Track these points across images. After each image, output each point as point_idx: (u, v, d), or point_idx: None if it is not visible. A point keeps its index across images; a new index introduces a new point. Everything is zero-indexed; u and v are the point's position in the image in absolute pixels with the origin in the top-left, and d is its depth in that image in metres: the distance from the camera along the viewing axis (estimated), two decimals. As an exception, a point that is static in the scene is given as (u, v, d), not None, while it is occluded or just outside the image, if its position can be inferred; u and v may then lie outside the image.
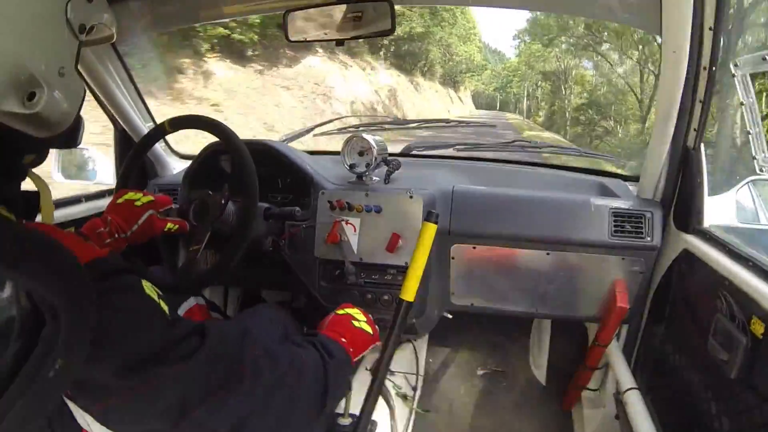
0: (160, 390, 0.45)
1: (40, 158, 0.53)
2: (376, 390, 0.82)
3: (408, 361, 1.44)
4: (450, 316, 1.26)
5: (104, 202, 0.88)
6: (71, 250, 0.40)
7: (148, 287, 0.48)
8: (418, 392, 1.38)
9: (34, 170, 0.53)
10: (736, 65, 0.83)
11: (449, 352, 1.60)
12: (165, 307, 0.48)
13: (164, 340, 0.46)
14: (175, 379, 0.45)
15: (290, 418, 0.58)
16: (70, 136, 0.52)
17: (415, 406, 1.34)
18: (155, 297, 0.48)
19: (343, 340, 0.75)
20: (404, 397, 1.34)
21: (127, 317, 0.44)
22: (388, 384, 1.32)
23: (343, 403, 0.93)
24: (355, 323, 0.82)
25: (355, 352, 0.76)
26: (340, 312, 0.84)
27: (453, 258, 1.16)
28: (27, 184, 0.52)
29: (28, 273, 0.36)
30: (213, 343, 0.49)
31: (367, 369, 1.33)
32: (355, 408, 0.84)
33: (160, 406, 0.45)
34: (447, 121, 1.65)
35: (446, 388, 1.47)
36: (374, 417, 0.84)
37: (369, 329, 0.83)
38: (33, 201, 0.53)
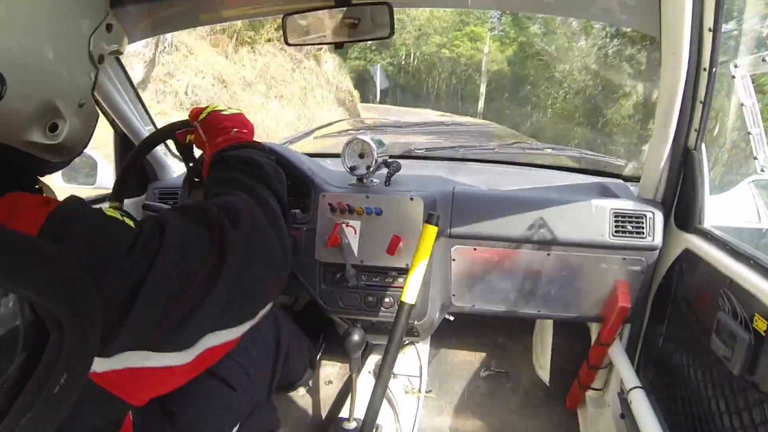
0: (142, 295, 0.43)
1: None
2: (380, 393, 0.82)
3: (410, 364, 1.44)
4: (452, 318, 1.25)
5: (104, 206, 0.88)
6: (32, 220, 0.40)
7: (110, 210, 0.47)
8: (422, 395, 1.38)
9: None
10: (736, 66, 0.84)
11: (452, 354, 1.60)
12: (130, 222, 0.47)
13: (130, 238, 0.44)
14: (149, 284, 0.44)
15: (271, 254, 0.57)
16: None
17: (418, 407, 1.34)
18: (118, 215, 0.47)
19: (239, 130, 0.72)
20: (410, 395, 1.34)
21: (93, 227, 0.44)
22: (392, 387, 1.32)
23: (347, 407, 0.93)
24: (225, 113, 0.75)
25: (249, 133, 0.73)
26: (202, 116, 0.75)
27: (454, 260, 1.16)
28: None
29: (31, 286, 0.35)
30: (173, 233, 0.47)
31: (370, 372, 1.33)
32: (360, 412, 0.84)
33: (146, 309, 0.44)
34: (446, 123, 1.66)
35: (449, 390, 1.46)
36: (378, 420, 0.84)
37: (235, 110, 0.76)
38: None
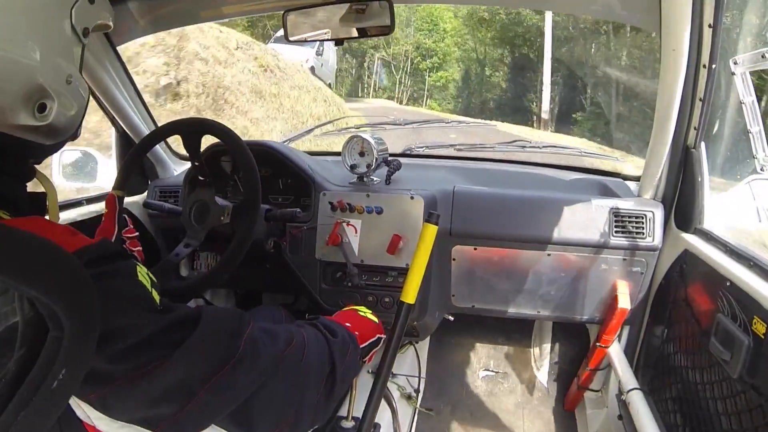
0: (157, 374, 0.44)
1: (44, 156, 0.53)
2: (379, 392, 0.82)
3: (410, 364, 1.44)
4: (451, 318, 1.25)
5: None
6: (62, 244, 0.40)
7: (143, 274, 0.47)
8: (421, 394, 1.38)
9: (40, 169, 0.53)
10: (735, 63, 0.83)
11: (451, 354, 1.59)
12: (156, 296, 0.47)
13: (153, 328, 0.45)
14: (171, 363, 0.45)
15: (298, 395, 0.57)
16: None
17: (417, 407, 1.34)
18: (148, 285, 0.47)
19: (347, 324, 0.76)
20: (407, 398, 1.34)
21: (115, 303, 0.43)
22: (391, 386, 1.31)
23: (345, 405, 0.93)
24: (360, 313, 0.84)
25: (362, 336, 0.76)
26: (345, 309, 0.87)
27: (454, 259, 1.15)
28: (34, 185, 0.52)
29: (30, 282, 0.35)
30: (207, 324, 0.49)
31: (369, 372, 1.33)
32: (358, 411, 0.84)
33: (160, 390, 0.45)
34: (446, 120, 1.66)
35: (448, 390, 1.46)
36: (377, 420, 0.84)
37: (374, 319, 0.84)
38: (40, 202, 0.52)
